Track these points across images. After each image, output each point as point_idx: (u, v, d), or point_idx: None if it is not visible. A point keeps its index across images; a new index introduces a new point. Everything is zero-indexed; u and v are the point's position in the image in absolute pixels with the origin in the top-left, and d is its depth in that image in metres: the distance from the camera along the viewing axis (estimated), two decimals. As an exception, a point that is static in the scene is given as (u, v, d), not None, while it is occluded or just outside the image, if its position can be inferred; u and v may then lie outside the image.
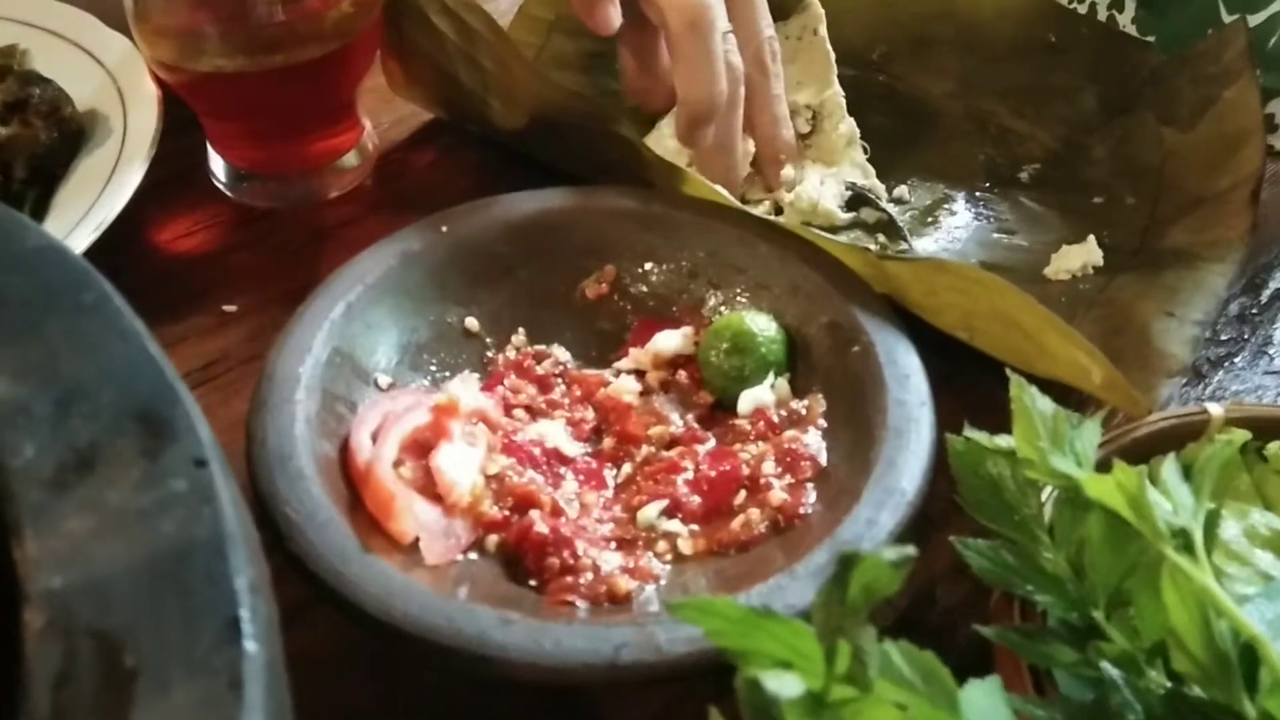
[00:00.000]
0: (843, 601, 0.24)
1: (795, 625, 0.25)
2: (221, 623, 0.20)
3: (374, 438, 0.40)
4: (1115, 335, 0.45)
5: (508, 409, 0.43)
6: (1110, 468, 0.30)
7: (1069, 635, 0.31)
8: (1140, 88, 0.58)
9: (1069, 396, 0.43)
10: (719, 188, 0.48)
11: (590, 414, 0.44)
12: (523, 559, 0.38)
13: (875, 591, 0.24)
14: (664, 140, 0.54)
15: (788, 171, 0.55)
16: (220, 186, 0.56)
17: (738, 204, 0.47)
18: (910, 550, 0.23)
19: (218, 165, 0.56)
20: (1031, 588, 0.32)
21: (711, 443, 0.42)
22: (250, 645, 0.20)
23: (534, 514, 0.38)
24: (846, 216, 0.55)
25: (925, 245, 0.54)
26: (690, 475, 0.40)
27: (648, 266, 0.48)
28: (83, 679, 0.19)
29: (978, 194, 0.57)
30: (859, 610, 0.24)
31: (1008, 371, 0.33)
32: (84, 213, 0.48)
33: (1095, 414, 0.34)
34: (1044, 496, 0.34)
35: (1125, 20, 0.62)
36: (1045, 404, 0.33)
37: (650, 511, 0.39)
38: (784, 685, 0.23)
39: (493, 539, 0.39)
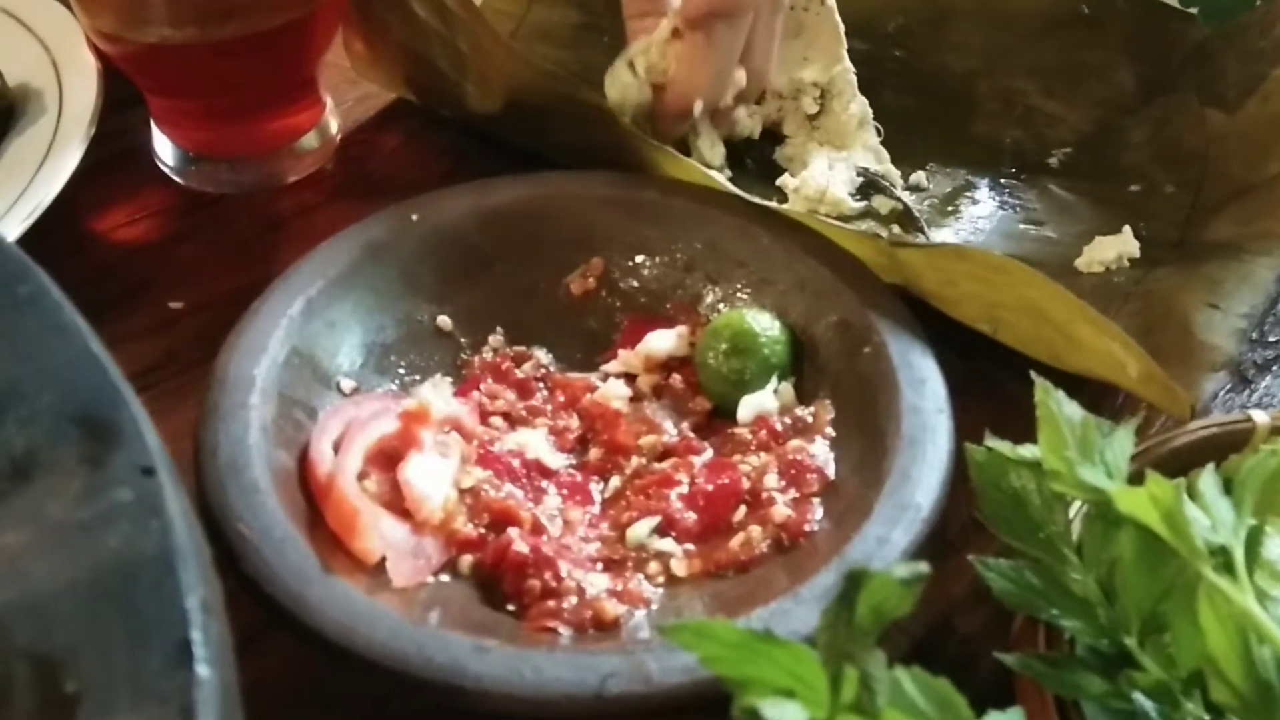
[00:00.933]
0: (850, 623, 0.24)
1: (799, 650, 0.25)
2: (171, 645, 0.20)
3: (336, 447, 0.40)
4: (1153, 329, 0.46)
5: (484, 416, 0.44)
6: (1144, 480, 0.31)
7: (1098, 663, 0.32)
8: (1182, 65, 0.59)
9: (1102, 403, 0.44)
10: (714, 174, 0.49)
11: (575, 422, 0.44)
12: (500, 581, 0.38)
13: (885, 612, 0.24)
14: (620, 75, 0.54)
15: (741, 114, 0.56)
16: (166, 170, 0.56)
17: (738, 191, 0.48)
18: (924, 568, 0.24)
19: (163, 146, 0.56)
20: (1058, 612, 0.33)
21: (709, 453, 0.43)
22: (203, 670, 0.20)
23: (512, 532, 0.39)
24: (857, 205, 0.55)
25: (945, 237, 0.54)
26: (685, 489, 0.41)
27: (639, 259, 0.48)
28: (18, 705, 0.20)
29: (1003, 181, 0.57)
30: (867, 633, 0.24)
31: (1033, 375, 0.34)
32: (15, 198, 0.48)
33: (1129, 421, 0.34)
34: (1072, 512, 0.34)
35: (1165, -10, 0.62)
36: (1073, 410, 0.33)
37: (641, 529, 0.40)
38: (785, 714, 0.24)
39: (467, 559, 0.39)
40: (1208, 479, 0.32)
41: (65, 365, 0.25)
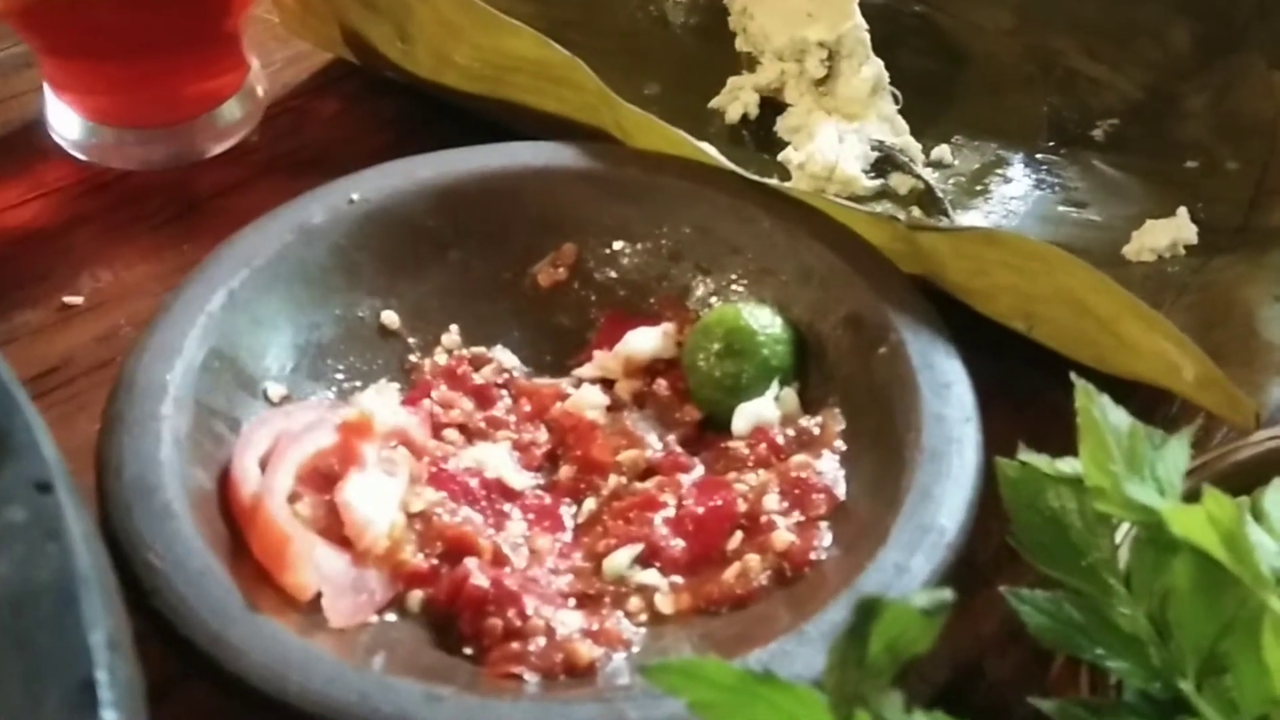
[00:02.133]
0: (861, 662, 0.24)
1: (804, 693, 0.26)
2: (71, 686, 0.20)
3: (263, 465, 0.40)
4: (1212, 326, 0.46)
5: (436, 429, 0.44)
6: (1201, 498, 0.31)
7: (1150, 710, 0.32)
8: (1246, 22, 0.60)
9: (1153, 411, 0.45)
10: (707, 147, 0.49)
11: (543, 435, 0.44)
12: (456, 620, 0.38)
13: (902, 649, 0.25)
14: None
15: None
16: (63, 143, 0.56)
17: (734, 167, 0.48)
18: (947, 595, 0.24)
19: (60, 116, 0.56)
20: (1103, 651, 0.33)
21: (699, 471, 0.43)
22: (109, 715, 0.20)
23: (470, 563, 0.39)
24: (872, 184, 0.56)
25: (973, 220, 0.55)
26: (671, 513, 0.41)
27: (618, 246, 0.49)
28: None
29: (1039, 156, 0.58)
30: (882, 673, 0.25)
31: (1073, 378, 0.34)
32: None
33: (1184, 431, 0.35)
34: (1119, 536, 0.35)
35: (1226, -64, 0.63)
36: (1120, 418, 0.34)
37: (620, 559, 0.40)
38: (787, 767, 0.24)
39: (417, 595, 0.39)
40: (1275, 497, 0.33)
41: (-54, 365, 0.25)
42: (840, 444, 0.42)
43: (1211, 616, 0.31)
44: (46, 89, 0.56)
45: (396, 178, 0.48)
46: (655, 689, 0.29)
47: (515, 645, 0.37)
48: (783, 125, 0.59)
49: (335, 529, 0.39)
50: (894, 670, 0.25)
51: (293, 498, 0.40)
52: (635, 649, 0.38)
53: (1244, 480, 0.37)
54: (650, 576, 0.40)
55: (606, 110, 0.51)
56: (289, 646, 0.35)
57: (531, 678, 0.37)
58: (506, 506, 0.42)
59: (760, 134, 0.59)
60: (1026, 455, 0.35)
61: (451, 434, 0.44)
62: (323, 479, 0.40)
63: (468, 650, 0.38)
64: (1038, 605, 0.34)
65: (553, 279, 0.48)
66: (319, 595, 0.38)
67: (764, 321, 0.45)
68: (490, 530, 0.41)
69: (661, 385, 0.45)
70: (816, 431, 0.43)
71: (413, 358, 0.46)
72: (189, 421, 0.40)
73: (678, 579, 0.40)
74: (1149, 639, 0.33)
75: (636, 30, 0.63)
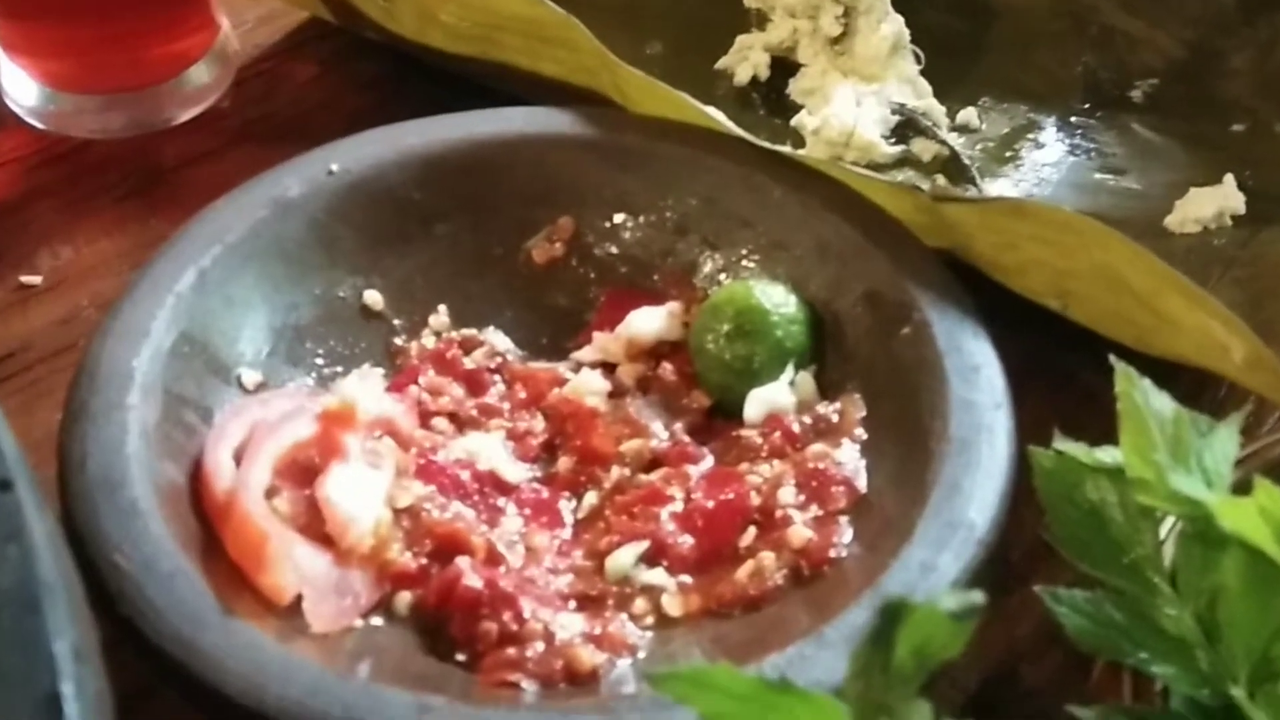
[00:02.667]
0: (886, 668, 0.24)
1: (823, 703, 0.26)
2: (36, 700, 0.20)
3: (238, 458, 0.40)
4: (1262, 301, 0.47)
5: (424, 417, 0.44)
6: (1251, 490, 0.31)
7: (1199, 718, 0.32)
8: (1293, -26, 0.60)
9: (1199, 396, 0.45)
10: (714, 112, 0.49)
11: (540, 424, 0.44)
12: (447, 624, 0.38)
13: (930, 654, 0.25)
14: None
15: None
16: (18, 111, 0.56)
17: (743, 133, 0.48)
18: (978, 596, 0.24)
19: (14, 81, 0.56)
20: (1147, 655, 0.33)
21: (708, 462, 0.43)
22: (75, 730, 0.20)
23: (462, 562, 0.39)
24: (892, 150, 0.56)
25: (1002, 189, 0.55)
26: (679, 507, 0.41)
27: (618, 219, 0.48)
28: None
29: (1073, 119, 0.58)
30: (908, 680, 0.25)
31: (1112, 360, 0.34)
32: None
33: (1233, 418, 0.34)
34: (1163, 531, 0.35)
35: (1275, -121, 0.63)
36: (1164, 404, 0.34)
37: (624, 558, 0.40)
38: (808, 783, 0.24)
39: (405, 597, 0.39)
40: (1332, 487, 0.33)
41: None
42: (861, 432, 0.42)
43: (1264, 617, 0.32)
44: (1, 53, 0.56)
45: (378, 146, 0.48)
46: (663, 698, 0.29)
47: (511, 651, 0.37)
48: (796, 87, 0.59)
49: (316, 526, 0.39)
50: (921, 677, 0.25)
51: (270, 493, 0.40)
52: (641, 654, 0.38)
53: (1297, 470, 0.37)
54: (656, 576, 0.40)
55: (605, 72, 0.51)
56: (267, 654, 0.35)
57: (529, 686, 0.36)
58: (501, 501, 0.42)
59: (771, 97, 0.59)
60: (1062, 444, 0.35)
61: (441, 423, 0.44)
62: (302, 472, 0.40)
63: (460, 656, 0.38)
64: (1076, 606, 0.34)
65: (549, 255, 0.48)
66: (299, 598, 0.38)
67: (777, 300, 0.45)
68: (483, 527, 0.41)
69: (667, 369, 0.45)
70: (835, 419, 0.43)
71: (398, 340, 0.46)
72: (157, 411, 0.40)
73: (686, 579, 0.40)
74: (1197, 641, 0.33)
75: (637, -15, 0.63)
